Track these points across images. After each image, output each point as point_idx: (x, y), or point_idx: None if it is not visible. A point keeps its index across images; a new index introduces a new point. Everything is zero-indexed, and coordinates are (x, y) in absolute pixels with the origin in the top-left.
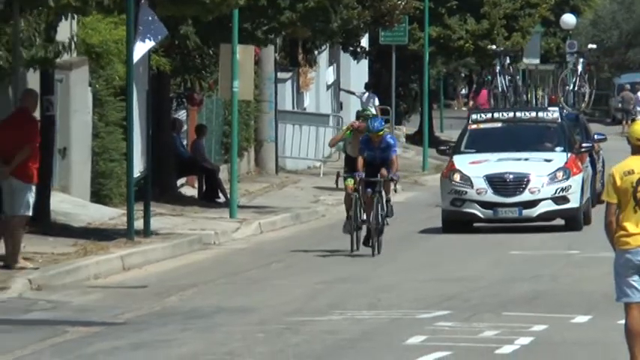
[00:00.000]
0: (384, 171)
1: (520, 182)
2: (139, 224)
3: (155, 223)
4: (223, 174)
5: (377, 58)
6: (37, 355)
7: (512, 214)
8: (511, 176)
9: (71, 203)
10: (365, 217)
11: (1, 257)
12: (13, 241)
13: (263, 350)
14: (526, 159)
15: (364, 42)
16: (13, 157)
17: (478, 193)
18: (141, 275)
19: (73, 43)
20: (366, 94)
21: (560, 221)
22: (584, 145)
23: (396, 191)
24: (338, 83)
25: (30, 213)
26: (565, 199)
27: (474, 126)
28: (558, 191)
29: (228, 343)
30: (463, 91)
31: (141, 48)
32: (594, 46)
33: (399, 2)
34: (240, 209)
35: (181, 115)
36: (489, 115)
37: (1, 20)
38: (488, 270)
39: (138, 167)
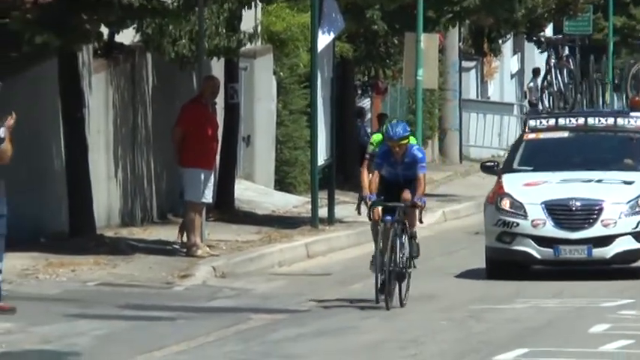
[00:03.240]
0: (407, 194)
1: (590, 212)
2: (322, 212)
3: (339, 211)
4: None
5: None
6: (221, 342)
7: (580, 254)
8: (578, 203)
9: (255, 191)
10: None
11: (184, 245)
12: (186, 227)
13: (446, 337)
14: (599, 180)
15: (548, 31)
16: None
17: (534, 226)
18: (325, 263)
19: (257, 33)
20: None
21: None
22: None
23: (421, 222)
24: (522, 72)
25: (203, 199)
26: None
27: (532, 135)
28: None
29: (411, 331)
30: None
31: (322, 40)
32: None
33: None
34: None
35: (365, 103)
36: (552, 122)
37: (185, 10)
38: None
39: (322, 155)
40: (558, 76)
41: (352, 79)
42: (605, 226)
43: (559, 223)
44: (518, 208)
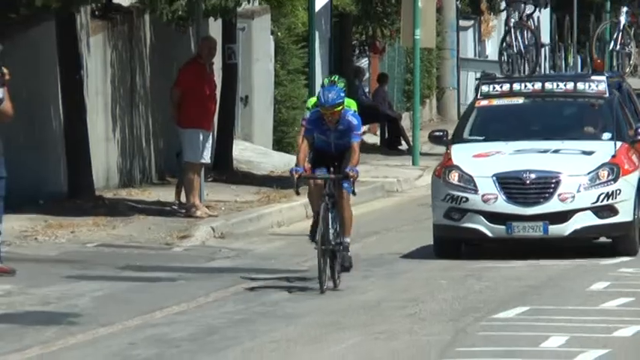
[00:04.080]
0: (351, 171)
1: (546, 185)
2: None
3: None
4: (405, 121)
5: (557, 6)
6: (220, 302)
7: (535, 231)
8: (533, 176)
9: (254, 151)
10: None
11: (183, 206)
12: (185, 188)
13: (446, 297)
14: (556, 150)
15: None
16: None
17: (485, 201)
18: None
19: None
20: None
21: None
22: None
23: (354, 193)
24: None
25: (201, 160)
26: (612, 210)
27: (484, 102)
28: (602, 198)
29: (411, 290)
30: None
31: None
32: None
33: None
34: (422, 157)
35: (363, 63)
36: (506, 87)
37: None
38: None
39: None
40: (519, 37)
41: (350, 39)
42: (562, 200)
43: (512, 198)
44: (468, 182)
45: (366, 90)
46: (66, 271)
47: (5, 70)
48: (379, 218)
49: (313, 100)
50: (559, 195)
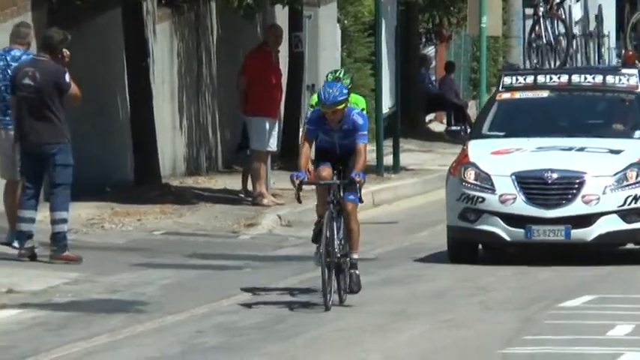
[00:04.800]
0: (356, 177)
1: (569, 186)
2: (388, 160)
3: (404, 158)
4: (472, 109)
5: None
6: (287, 290)
7: (556, 235)
8: (555, 175)
9: None
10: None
11: (250, 194)
12: (251, 176)
13: (512, 285)
14: (581, 149)
15: None
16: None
17: (502, 202)
18: (391, 211)
19: None
20: None
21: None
22: None
23: (361, 201)
24: (587, 19)
25: (267, 148)
26: None
27: (506, 95)
28: (630, 201)
29: (477, 279)
30: None
31: None
32: None
33: None
34: None
35: (430, 51)
36: (530, 80)
37: None
38: None
39: (387, 103)
40: (548, 27)
41: (416, 27)
42: (586, 202)
43: (532, 199)
44: (485, 181)
45: (432, 78)
46: (133, 259)
47: (67, 53)
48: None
49: (315, 98)
50: (583, 197)
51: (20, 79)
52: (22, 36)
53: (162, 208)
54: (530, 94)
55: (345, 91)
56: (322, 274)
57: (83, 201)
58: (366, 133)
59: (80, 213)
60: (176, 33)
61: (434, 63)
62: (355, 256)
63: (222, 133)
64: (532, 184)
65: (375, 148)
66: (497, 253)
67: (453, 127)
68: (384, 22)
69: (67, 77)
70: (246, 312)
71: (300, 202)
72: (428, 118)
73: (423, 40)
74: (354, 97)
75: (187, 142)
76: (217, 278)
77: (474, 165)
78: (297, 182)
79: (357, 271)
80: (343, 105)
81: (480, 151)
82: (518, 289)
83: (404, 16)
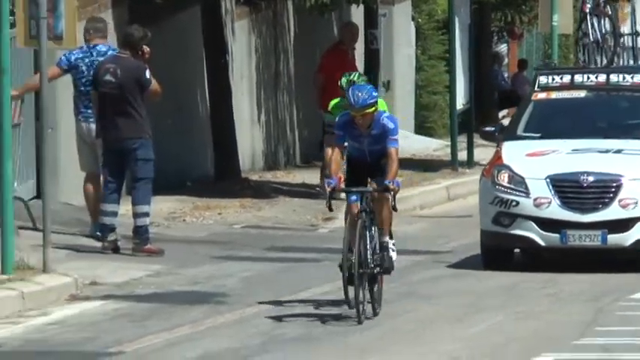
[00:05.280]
0: (391, 184)
1: (606, 189)
2: (462, 155)
3: (478, 154)
4: None
5: None
6: None
7: (592, 240)
8: (591, 179)
9: None
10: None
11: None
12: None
13: (583, 278)
14: (618, 151)
15: None
16: None
17: (537, 206)
18: (465, 205)
19: None
20: None
21: None
22: None
23: (395, 209)
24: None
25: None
26: None
27: (542, 95)
28: None
29: (548, 271)
30: None
31: None
32: None
33: None
34: None
35: (502, 48)
36: (567, 79)
37: None
38: None
39: (460, 99)
40: (595, 24)
41: (489, 25)
42: (623, 207)
43: (567, 203)
44: (519, 184)
45: (505, 75)
46: (213, 252)
47: (147, 50)
48: None
49: (335, 101)
50: (620, 201)
51: (102, 75)
52: (102, 30)
53: (242, 202)
54: (566, 94)
55: (375, 93)
56: (355, 287)
57: (165, 195)
58: (397, 137)
59: (162, 207)
60: (254, 30)
61: (506, 60)
62: (386, 238)
63: (300, 129)
64: (567, 188)
65: (449, 143)
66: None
67: (487, 128)
68: (457, 20)
69: (148, 74)
70: (325, 304)
71: (331, 210)
72: (501, 114)
73: (496, 37)
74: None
75: (266, 137)
76: (296, 270)
77: (507, 167)
78: (328, 190)
79: (390, 252)
80: (373, 108)
81: (514, 152)
82: (590, 281)
83: (477, 14)
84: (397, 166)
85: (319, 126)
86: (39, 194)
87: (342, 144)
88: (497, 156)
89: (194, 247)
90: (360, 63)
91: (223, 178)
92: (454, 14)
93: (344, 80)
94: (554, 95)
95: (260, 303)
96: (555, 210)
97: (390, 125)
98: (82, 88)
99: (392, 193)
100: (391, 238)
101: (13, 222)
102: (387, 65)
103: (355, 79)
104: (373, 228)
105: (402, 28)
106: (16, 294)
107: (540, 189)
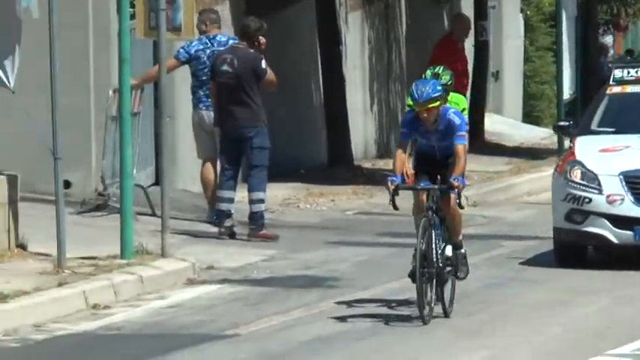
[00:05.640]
0: (455, 181)
1: None
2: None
3: None
4: None
5: None
6: (474, 266)
7: None
8: None
9: (504, 124)
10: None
11: None
12: None
13: None
14: None
15: None
16: None
17: (610, 203)
18: None
19: None
20: None
21: None
22: None
23: (462, 207)
24: None
25: None
26: None
27: (617, 89)
28: None
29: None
30: None
31: None
32: None
33: None
34: None
35: (608, 40)
36: None
37: None
38: None
39: (567, 89)
40: None
41: (595, 17)
42: None
43: None
44: (592, 180)
45: (610, 66)
46: (327, 237)
47: (263, 40)
48: None
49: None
50: None
51: (219, 66)
52: (217, 21)
53: (355, 189)
54: None
55: (440, 87)
56: (417, 288)
57: (280, 182)
58: (464, 133)
59: (277, 194)
60: (367, 21)
61: (612, 52)
62: (458, 239)
63: None
64: None
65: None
66: None
67: (561, 122)
68: (564, 12)
69: (264, 64)
70: None
71: (396, 208)
72: None
73: (601, 29)
74: (454, 96)
75: (378, 126)
76: (407, 256)
77: (580, 163)
78: (392, 187)
79: (463, 251)
80: (438, 103)
81: (587, 148)
82: None
83: (583, 7)
84: (464, 163)
85: None
86: (157, 181)
87: (406, 142)
88: (571, 151)
89: (307, 233)
90: (469, 53)
91: (336, 166)
92: (561, 7)
93: (428, 73)
94: (629, 89)
95: (371, 287)
96: (628, 207)
97: (457, 121)
98: (204, 78)
99: (456, 190)
100: (461, 247)
101: (133, 208)
102: (496, 56)
103: (440, 72)
104: (441, 227)
105: (511, 20)
106: (135, 278)
107: (613, 186)
